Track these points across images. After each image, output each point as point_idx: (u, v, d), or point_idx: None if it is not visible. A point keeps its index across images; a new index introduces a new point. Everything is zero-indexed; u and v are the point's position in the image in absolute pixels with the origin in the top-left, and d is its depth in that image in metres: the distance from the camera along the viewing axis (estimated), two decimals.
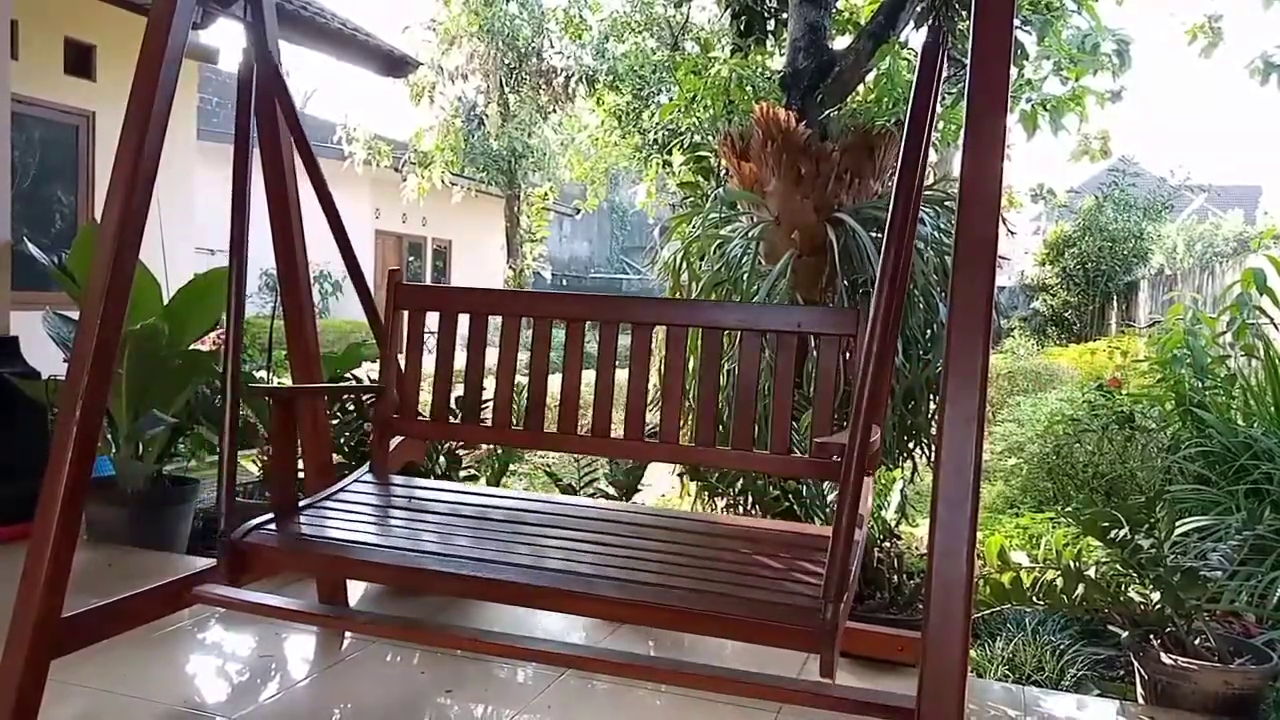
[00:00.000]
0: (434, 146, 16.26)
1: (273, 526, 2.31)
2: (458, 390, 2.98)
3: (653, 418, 2.87)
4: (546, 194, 20.48)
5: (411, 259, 22.16)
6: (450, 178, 16.97)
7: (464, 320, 2.91)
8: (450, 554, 2.20)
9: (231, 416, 2.32)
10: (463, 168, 18.11)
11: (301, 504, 2.48)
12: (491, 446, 3.90)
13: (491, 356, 2.92)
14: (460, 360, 2.93)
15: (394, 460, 2.91)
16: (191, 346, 4.22)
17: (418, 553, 2.22)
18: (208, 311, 4.09)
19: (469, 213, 20.40)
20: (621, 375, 2.75)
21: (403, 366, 2.90)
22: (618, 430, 2.75)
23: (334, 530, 2.36)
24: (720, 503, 3.83)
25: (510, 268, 20.07)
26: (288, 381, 3.83)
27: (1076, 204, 17.18)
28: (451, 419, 3.02)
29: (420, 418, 2.91)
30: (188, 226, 8.08)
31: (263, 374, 5.01)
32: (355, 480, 2.74)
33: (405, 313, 2.89)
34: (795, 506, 3.51)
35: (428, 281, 22.57)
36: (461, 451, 3.94)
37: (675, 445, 2.73)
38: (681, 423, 2.93)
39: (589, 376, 2.80)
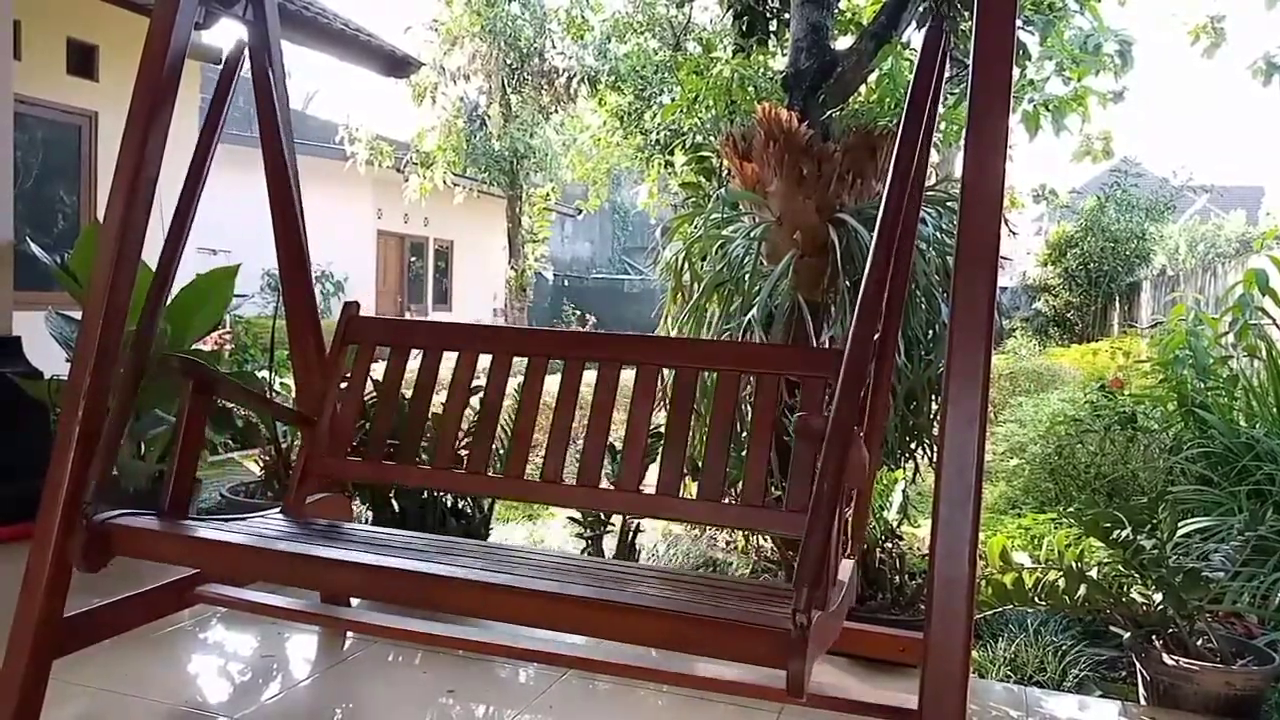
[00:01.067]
0: (436, 147, 16.29)
1: (153, 518, 2.18)
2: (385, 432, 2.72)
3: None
4: (548, 194, 20.49)
5: (413, 259, 22.18)
6: (452, 178, 16.99)
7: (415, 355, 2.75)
8: (364, 560, 2.00)
9: (126, 385, 2.17)
10: (465, 168, 18.13)
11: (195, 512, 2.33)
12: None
13: (441, 396, 2.73)
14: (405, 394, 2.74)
15: (311, 513, 2.63)
16: (193, 346, 4.22)
17: (324, 550, 2.04)
18: (209, 311, 4.09)
19: (471, 213, 20.41)
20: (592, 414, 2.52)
21: (338, 408, 2.73)
22: (570, 476, 2.51)
23: (223, 531, 2.20)
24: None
25: (512, 268, 20.07)
26: (289, 382, 3.82)
27: (1078, 204, 17.18)
28: (387, 461, 2.75)
29: (353, 458, 2.74)
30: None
31: (265, 374, 5.02)
32: (261, 516, 2.53)
33: (354, 347, 2.73)
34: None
35: (430, 282, 22.60)
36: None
37: (634, 494, 2.46)
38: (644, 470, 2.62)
39: (545, 418, 2.60)
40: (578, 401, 2.59)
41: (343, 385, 2.79)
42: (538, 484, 2.55)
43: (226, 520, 2.41)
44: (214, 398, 2.44)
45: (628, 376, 2.56)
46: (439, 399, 2.77)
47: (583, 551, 3.82)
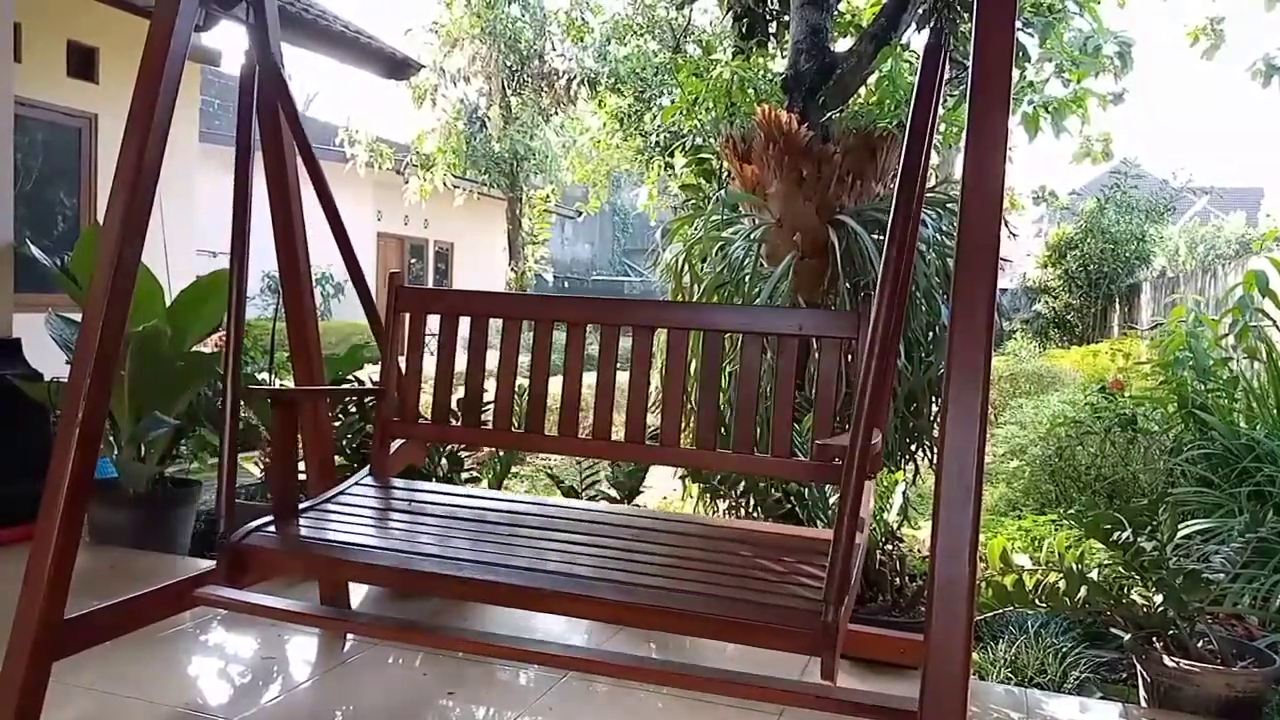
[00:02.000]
0: (436, 149, 16.30)
1: (272, 529, 2.31)
2: (458, 393, 2.97)
3: (654, 420, 2.86)
4: (548, 196, 20.51)
5: (413, 261, 22.19)
6: (452, 180, 17.00)
7: (465, 323, 2.90)
8: (448, 556, 2.19)
9: (231, 418, 2.32)
10: (465, 170, 18.14)
11: (302, 506, 2.48)
12: (493, 449, 3.90)
13: (492, 359, 2.91)
14: (461, 363, 2.92)
15: (394, 463, 2.90)
16: (193, 348, 4.22)
17: (416, 555, 2.22)
18: (210, 313, 4.09)
19: (471, 215, 20.42)
20: (623, 377, 2.74)
21: (403, 369, 2.89)
22: (619, 433, 2.74)
23: (333, 533, 2.36)
24: (722, 505, 3.83)
25: (512, 270, 20.08)
26: (290, 383, 3.83)
27: (1078, 206, 17.17)
28: (452, 421, 3.01)
29: (421, 420, 2.91)
30: (190, 228, 8.09)
31: (265, 376, 5.01)
32: (355, 483, 2.74)
33: (406, 315, 2.89)
34: (797, 509, 3.51)
35: (430, 284, 22.60)
36: (464, 454, 3.93)
37: (676, 448, 2.72)
38: (683, 426, 2.92)
39: (590, 379, 2.79)
40: (616, 363, 2.80)
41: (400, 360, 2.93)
42: (589, 441, 2.78)
43: (329, 500, 2.57)
44: (296, 410, 2.57)
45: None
46: (492, 361, 2.93)
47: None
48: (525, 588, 2.05)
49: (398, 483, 2.83)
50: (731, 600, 1.96)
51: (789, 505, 3.52)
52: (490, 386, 2.89)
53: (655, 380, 3.01)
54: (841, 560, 1.75)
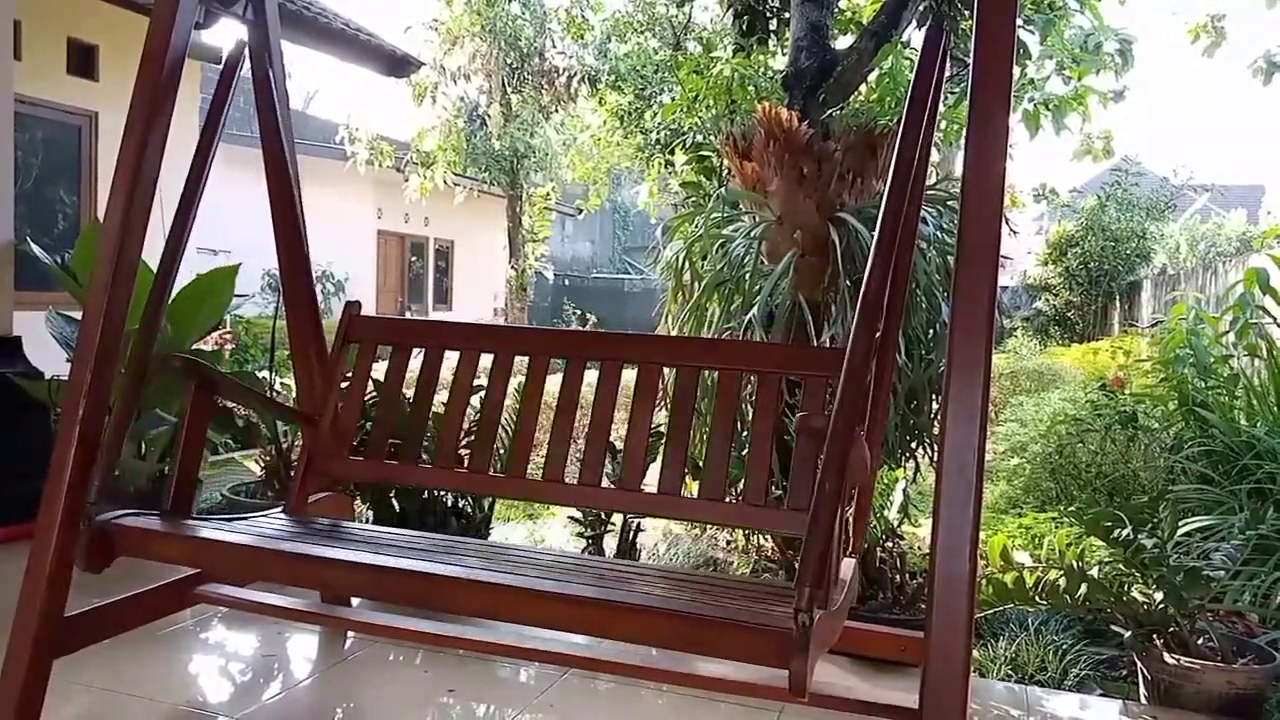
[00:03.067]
0: (436, 147, 16.29)
1: (156, 518, 2.19)
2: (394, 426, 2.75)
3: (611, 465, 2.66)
4: (549, 194, 20.49)
5: (414, 259, 22.18)
6: (452, 178, 16.99)
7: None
8: (367, 560, 1.99)
9: (130, 385, 2.19)
10: (465, 168, 18.12)
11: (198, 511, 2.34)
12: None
13: (442, 396, 2.75)
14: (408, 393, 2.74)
15: (314, 512, 2.65)
16: (194, 346, 4.22)
17: (325, 551, 2.04)
18: (210, 311, 4.09)
19: (471, 213, 20.40)
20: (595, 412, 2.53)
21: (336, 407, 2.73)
22: (572, 475, 2.52)
23: (226, 531, 2.20)
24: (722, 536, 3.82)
25: (512, 268, 20.07)
26: (290, 382, 3.82)
27: (1079, 204, 17.17)
28: (389, 460, 2.76)
29: (354, 458, 2.74)
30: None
31: (265, 374, 5.01)
32: (264, 515, 2.53)
33: (355, 346, 2.74)
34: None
35: (430, 281, 22.61)
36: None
37: (636, 493, 2.48)
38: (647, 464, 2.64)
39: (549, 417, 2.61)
40: (579, 401, 2.60)
41: (344, 385, 2.79)
42: (540, 483, 2.56)
43: (229, 520, 2.42)
44: (216, 398, 2.44)
45: (628, 377, 2.57)
46: (440, 398, 2.77)
47: (584, 551, 3.83)
48: (490, 584, 1.84)
49: (322, 520, 2.59)
50: (698, 602, 1.81)
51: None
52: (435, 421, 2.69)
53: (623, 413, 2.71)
54: (816, 555, 1.56)
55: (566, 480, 2.54)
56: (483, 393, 2.70)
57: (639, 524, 3.97)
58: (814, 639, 1.55)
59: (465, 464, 2.69)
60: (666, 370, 2.60)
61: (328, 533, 2.42)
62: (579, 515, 3.89)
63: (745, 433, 3.11)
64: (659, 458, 2.49)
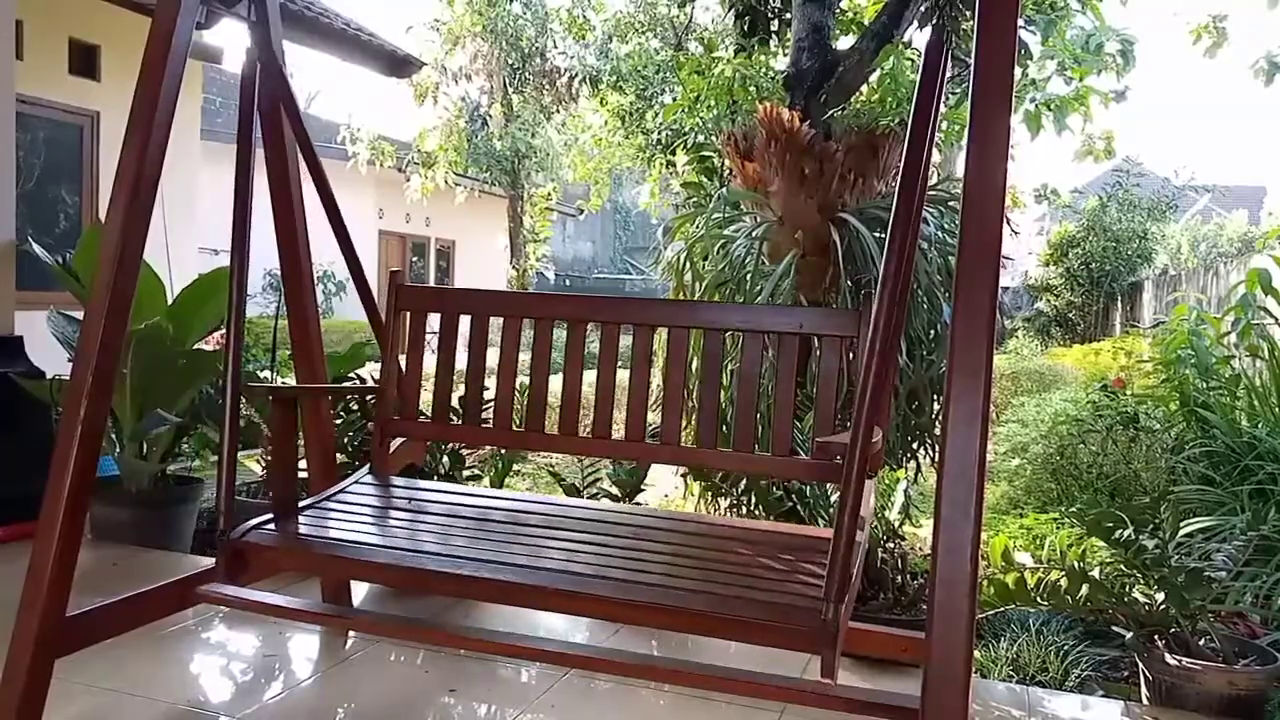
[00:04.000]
0: (437, 147, 16.29)
1: (272, 526, 2.31)
2: (459, 391, 2.97)
3: (655, 418, 2.85)
4: (550, 194, 20.48)
5: (415, 259, 22.19)
6: (454, 178, 16.99)
7: (465, 321, 2.90)
8: (448, 554, 2.20)
9: (232, 415, 2.32)
10: (466, 168, 18.12)
11: (302, 504, 2.48)
12: (494, 447, 3.89)
13: (493, 357, 2.91)
14: (461, 361, 2.92)
15: (395, 461, 2.91)
16: (195, 346, 4.23)
17: (415, 552, 2.22)
18: (211, 311, 4.09)
19: (472, 213, 20.41)
20: (624, 375, 2.74)
21: (403, 368, 2.89)
22: (619, 431, 2.74)
23: (333, 530, 2.36)
24: (723, 503, 3.83)
25: (513, 268, 20.07)
26: (291, 381, 3.83)
27: (1080, 204, 17.14)
28: (452, 420, 3.01)
29: (421, 419, 2.91)
30: (191, 226, 8.09)
31: (267, 374, 5.02)
32: (355, 481, 2.75)
33: (406, 314, 2.89)
34: (799, 507, 3.51)
35: (431, 282, 22.60)
36: (465, 451, 3.93)
37: (676, 446, 2.71)
38: (684, 424, 2.91)
39: (591, 377, 2.79)
40: (617, 362, 2.81)
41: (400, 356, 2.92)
42: (589, 439, 2.77)
43: (329, 498, 2.57)
44: (296, 408, 2.58)
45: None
46: (491, 360, 2.93)
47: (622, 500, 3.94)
48: (525, 585, 2.05)
49: (398, 481, 2.83)
50: (731, 598, 1.96)
51: (790, 503, 3.52)
52: (491, 384, 2.89)
53: (656, 378, 3.00)
54: (842, 558, 1.75)
55: (613, 436, 2.76)
56: (529, 355, 2.86)
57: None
58: (841, 628, 1.73)
59: (522, 425, 2.85)
60: (693, 333, 2.87)
61: (418, 508, 2.59)
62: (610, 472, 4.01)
63: (770, 387, 3.17)
64: (692, 418, 2.77)
